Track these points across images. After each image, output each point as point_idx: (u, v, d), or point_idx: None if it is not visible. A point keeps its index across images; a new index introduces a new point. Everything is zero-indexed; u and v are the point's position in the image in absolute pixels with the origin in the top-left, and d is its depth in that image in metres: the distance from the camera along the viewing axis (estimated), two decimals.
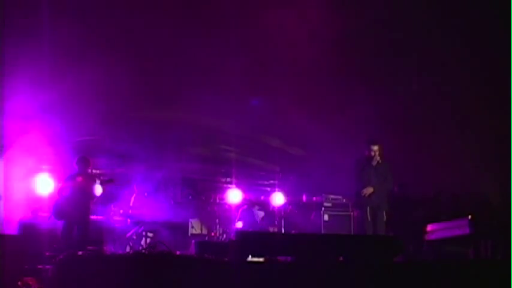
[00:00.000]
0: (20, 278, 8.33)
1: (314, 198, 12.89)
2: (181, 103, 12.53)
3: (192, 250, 9.91)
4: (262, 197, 13.55)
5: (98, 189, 11.26)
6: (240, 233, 9.49)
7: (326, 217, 12.41)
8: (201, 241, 11.09)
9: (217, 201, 13.27)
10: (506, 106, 11.06)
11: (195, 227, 12.61)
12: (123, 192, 12.07)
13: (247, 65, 12.11)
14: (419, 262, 9.58)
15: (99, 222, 11.35)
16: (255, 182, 14.08)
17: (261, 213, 12.91)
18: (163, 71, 12.12)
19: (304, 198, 13.28)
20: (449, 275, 7.79)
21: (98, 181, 10.93)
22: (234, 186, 13.44)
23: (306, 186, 13.41)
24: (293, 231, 12.62)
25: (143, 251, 10.05)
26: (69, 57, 11.25)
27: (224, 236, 12.55)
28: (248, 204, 12.92)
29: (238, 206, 12.96)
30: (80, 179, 10.55)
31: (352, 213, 12.28)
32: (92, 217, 11.15)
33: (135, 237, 11.57)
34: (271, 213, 13.29)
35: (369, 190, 10.04)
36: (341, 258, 8.12)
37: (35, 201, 11.24)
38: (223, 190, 13.53)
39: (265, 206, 13.24)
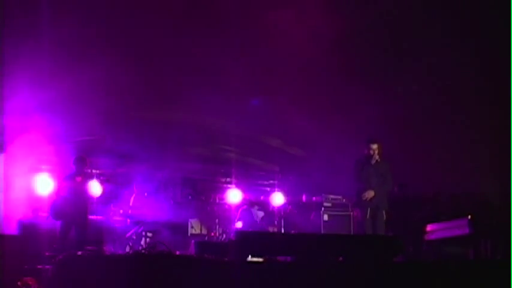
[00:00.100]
0: (19, 278, 8.34)
1: (314, 198, 12.89)
2: (181, 103, 12.52)
3: (191, 250, 9.91)
4: (262, 197, 13.56)
5: (97, 189, 11.28)
6: (240, 233, 9.49)
7: (326, 217, 12.41)
8: (201, 241, 11.09)
9: (217, 201, 13.28)
10: (506, 106, 11.06)
11: (195, 227, 12.61)
12: (123, 192, 12.08)
13: (248, 65, 12.10)
14: (419, 262, 9.57)
15: (99, 222, 11.35)
16: (254, 182, 14.08)
17: (261, 213, 12.92)
18: (163, 71, 12.12)
19: (303, 198, 13.28)
20: (449, 275, 7.79)
21: (96, 180, 10.94)
22: (233, 186, 13.44)
23: (305, 186, 13.41)
24: (293, 231, 12.62)
25: (143, 251, 10.05)
26: (69, 57, 11.24)
27: (224, 236, 12.55)
28: (248, 204, 12.93)
29: (238, 206, 12.96)
30: (78, 179, 10.53)
31: (351, 213, 12.28)
32: (92, 217, 11.15)
33: (134, 237, 11.57)
34: (270, 213, 13.30)
35: (370, 194, 10.01)
36: (340, 258, 8.12)
37: (35, 201, 11.23)
38: (223, 190, 13.54)
39: (264, 206, 13.25)
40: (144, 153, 12.48)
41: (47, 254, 9.55)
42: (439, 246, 10.87)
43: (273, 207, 13.32)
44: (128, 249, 11.30)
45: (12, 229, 10.30)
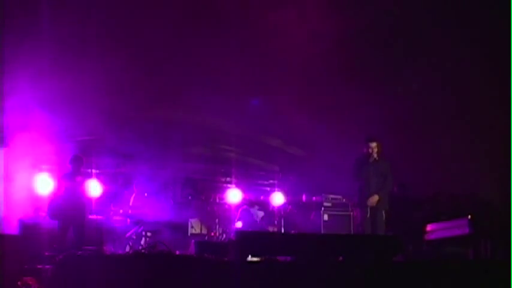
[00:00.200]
0: (19, 278, 8.33)
1: (314, 198, 12.89)
2: (181, 103, 12.53)
3: (191, 250, 9.92)
4: (261, 197, 13.57)
5: (96, 189, 11.28)
6: (240, 232, 9.49)
7: (326, 217, 12.41)
8: (201, 241, 11.10)
9: (217, 201, 13.28)
10: (506, 106, 11.06)
11: (195, 227, 12.61)
12: (123, 192, 12.08)
13: (248, 65, 12.11)
14: (418, 262, 9.57)
15: (99, 222, 11.35)
16: (254, 182, 14.09)
17: (261, 213, 12.92)
18: (163, 71, 12.12)
19: (303, 198, 13.28)
20: (448, 275, 7.80)
21: (96, 180, 10.94)
22: (233, 186, 13.45)
23: (305, 186, 13.42)
24: (293, 231, 12.62)
25: (143, 250, 10.05)
26: (70, 56, 11.25)
27: (224, 235, 12.56)
28: (248, 204, 12.93)
29: (238, 206, 12.97)
30: (78, 178, 10.52)
31: (351, 213, 12.28)
32: (92, 217, 11.16)
33: (134, 237, 11.57)
34: (270, 213, 13.31)
35: (374, 198, 9.99)
36: (340, 258, 8.13)
37: (36, 201, 11.23)
38: (223, 190, 13.55)
39: (264, 205, 13.26)
40: (144, 153, 12.49)
41: (47, 254, 9.54)
42: (439, 246, 10.87)
43: (273, 207, 13.32)
44: (127, 249, 11.30)
45: (12, 229, 10.29)
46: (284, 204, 13.30)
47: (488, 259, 9.90)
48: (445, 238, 10.67)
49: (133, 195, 12.06)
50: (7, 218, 10.48)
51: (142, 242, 11.54)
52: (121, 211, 11.89)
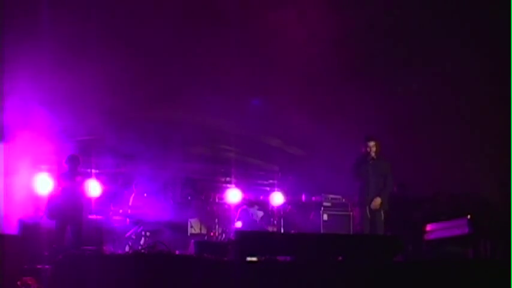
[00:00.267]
0: (19, 277, 8.34)
1: (313, 198, 12.89)
2: (181, 103, 12.53)
3: (191, 250, 9.92)
4: (261, 197, 13.55)
5: (96, 189, 11.28)
6: (239, 232, 9.48)
7: (325, 217, 12.40)
8: (200, 241, 11.10)
9: (217, 200, 13.27)
10: (506, 106, 11.07)
11: (195, 227, 12.60)
12: (122, 192, 12.08)
13: (248, 65, 12.11)
14: (418, 262, 9.57)
15: (98, 222, 11.35)
16: (254, 182, 14.08)
17: (260, 213, 12.91)
18: (163, 71, 12.13)
19: (303, 198, 13.28)
20: (448, 274, 7.80)
21: (95, 180, 10.93)
22: (233, 185, 13.43)
23: (305, 186, 13.41)
24: (292, 231, 12.62)
25: (142, 250, 10.05)
26: (70, 56, 11.25)
27: (223, 235, 12.55)
28: (247, 204, 12.93)
29: (238, 206, 12.95)
30: (72, 178, 10.50)
31: (351, 213, 12.27)
32: (92, 217, 11.15)
33: (134, 237, 11.57)
34: (270, 212, 13.29)
35: (377, 201, 10.00)
36: (340, 258, 8.13)
37: (36, 201, 11.22)
38: (222, 190, 13.53)
39: (264, 205, 13.25)
40: (144, 153, 12.48)
41: (46, 254, 9.54)
42: (438, 245, 10.87)
43: (273, 207, 13.31)
44: (127, 249, 11.30)
45: (12, 229, 10.29)
46: (284, 204, 13.29)
47: (488, 259, 9.90)
48: (444, 238, 10.67)
49: (133, 195, 12.06)
50: (7, 218, 10.48)
51: (141, 242, 11.53)
52: (121, 211, 11.89)
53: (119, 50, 11.36)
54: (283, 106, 12.59)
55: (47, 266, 8.30)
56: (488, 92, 11.97)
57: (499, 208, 11.06)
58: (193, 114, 12.83)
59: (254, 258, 7.86)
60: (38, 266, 8.90)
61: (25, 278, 8.39)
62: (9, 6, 10.79)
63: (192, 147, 13.48)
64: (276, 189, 13.59)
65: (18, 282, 8.21)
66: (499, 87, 11.68)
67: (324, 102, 12.62)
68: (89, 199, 11.14)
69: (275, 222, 13.23)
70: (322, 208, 12.45)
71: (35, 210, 11.06)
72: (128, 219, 11.78)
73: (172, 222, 11.88)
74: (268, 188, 13.93)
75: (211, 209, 12.95)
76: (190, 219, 12.58)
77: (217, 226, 12.73)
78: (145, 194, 12.05)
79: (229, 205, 13.10)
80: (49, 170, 11.58)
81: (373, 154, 10.07)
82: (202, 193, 13.18)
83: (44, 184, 11.22)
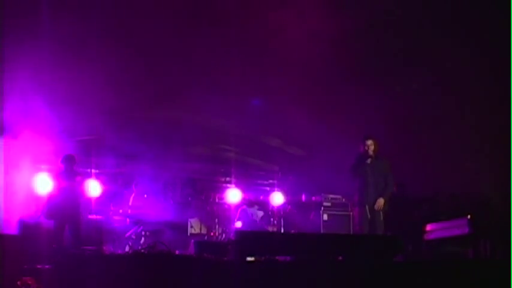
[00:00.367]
0: (19, 277, 8.33)
1: (313, 197, 12.89)
2: (181, 103, 12.52)
3: (191, 250, 9.92)
4: (261, 197, 13.56)
5: (96, 189, 11.28)
6: (239, 232, 9.49)
7: (325, 217, 12.41)
8: (200, 241, 11.11)
9: (217, 200, 13.28)
10: (506, 106, 11.06)
11: (195, 227, 12.61)
12: (122, 191, 12.09)
13: (248, 65, 12.11)
14: (418, 262, 9.58)
15: (98, 221, 11.35)
16: (254, 182, 14.09)
17: (260, 213, 12.92)
18: (163, 71, 12.12)
19: (303, 197, 13.29)
20: (448, 274, 7.80)
21: (95, 180, 10.92)
22: (233, 185, 13.44)
23: (305, 186, 13.42)
24: (292, 231, 12.63)
25: (142, 250, 10.05)
26: (70, 56, 11.25)
27: (223, 235, 12.56)
28: (247, 204, 12.93)
29: (238, 206, 12.96)
30: (69, 177, 10.49)
31: (351, 213, 12.27)
32: (92, 217, 11.16)
33: (134, 236, 11.58)
34: (270, 213, 13.30)
35: (380, 202, 10.00)
36: (340, 258, 8.13)
37: (35, 201, 11.23)
38: (222, 190, 13.54)
39: (264, 205, 13.25)
40: (144, 153, 12.49)
41: (46, 254, 9.53)
42: (438, 245, 10.87)
43: (273, 206, 13.32)
44: (127, 249, 11.31)
45: (12, 229, 10.29)
46: (284, 204, 13.30)
47: (487, 259, 9.90)
48: (444, 238, 10.67)
49: (133, 195, 12.06)
50: (7, 218, 10.48)
51: (141, 241, 11.55)
52: (121, 211, 11.90)
53: (119, 50, 11.35)
54: (283, 106, 12.58)
55: (46, 266, 8.30)
56: (488, 92, 11.96)
57: (499, 208, 11.06)
58: (193, 114, 12.82)
59: (251, 258, 7.86)
60: (38, 266, 8.89)
61: (25, 278, 8.38)
62: (9, 6, 10.78)
63: (192, 147, 13.49)
64: (276, 189, 13.60)
65: (18, 282, 8.20)
66: (499, 87, 11.67)
67: (324, 102, 12.61)
68: (89, 199, 11.15)
69: (275, 222, 13.23)
70: (322, 208, 12.46)
71: (35, 210, 11.06)
72: (127, 219, 11.79)
73: (172, 222, 11.89)
74: (268, 188, 13.94)
75: (211, 209, 12.96)
76: (190, 219, 12.59)
77: (217, 226, 12.73)
78: (145, 194, 12.06)
79: (229, 205, 13.11)
80: (49, 170, 11.59)
81: (371, 152, 10.09)
82: (202, 193, 13.19)
83: (43, 184, 11.23)
